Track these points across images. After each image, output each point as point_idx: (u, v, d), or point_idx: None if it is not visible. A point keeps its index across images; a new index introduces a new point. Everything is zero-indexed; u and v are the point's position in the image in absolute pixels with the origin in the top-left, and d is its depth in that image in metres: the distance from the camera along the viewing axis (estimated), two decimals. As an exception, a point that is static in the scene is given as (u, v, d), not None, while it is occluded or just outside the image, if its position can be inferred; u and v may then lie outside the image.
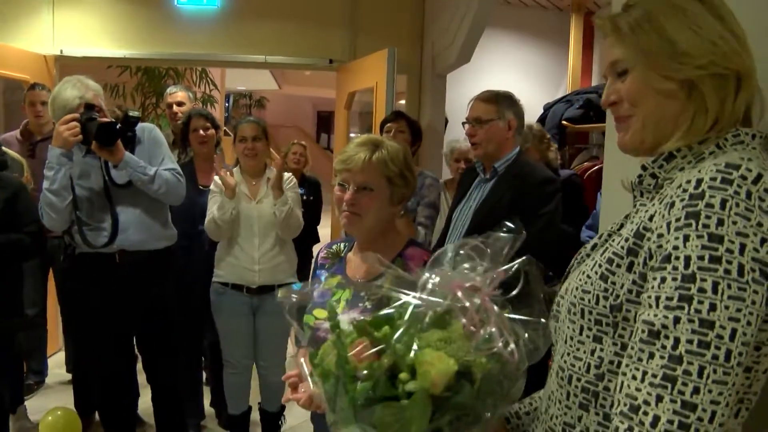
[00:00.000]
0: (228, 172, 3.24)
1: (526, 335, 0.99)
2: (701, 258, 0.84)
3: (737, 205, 0.84)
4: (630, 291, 0.94)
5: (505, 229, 1.06)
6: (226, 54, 5.35)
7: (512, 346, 0.95)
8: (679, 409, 0.83)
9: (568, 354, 1.04)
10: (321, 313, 1.72)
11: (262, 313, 3.33)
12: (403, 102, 5.25)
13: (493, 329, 0.96)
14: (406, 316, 0.97)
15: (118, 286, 2.96)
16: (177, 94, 4.31)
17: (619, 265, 0.96)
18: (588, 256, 1.12)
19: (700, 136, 0.97)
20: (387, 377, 0.95)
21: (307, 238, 4.51)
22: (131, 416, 3.33)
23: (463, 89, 4.33)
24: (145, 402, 3.40)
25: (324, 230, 5.01)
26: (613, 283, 0.97)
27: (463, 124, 2.86)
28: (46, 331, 4.43)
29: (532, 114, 4.52)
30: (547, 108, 4.53)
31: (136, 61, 6.07)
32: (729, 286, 0.83)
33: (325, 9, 5.21)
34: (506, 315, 1.00)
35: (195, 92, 7.78)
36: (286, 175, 3.46)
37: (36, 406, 3.88)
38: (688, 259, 0.85)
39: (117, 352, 3.12)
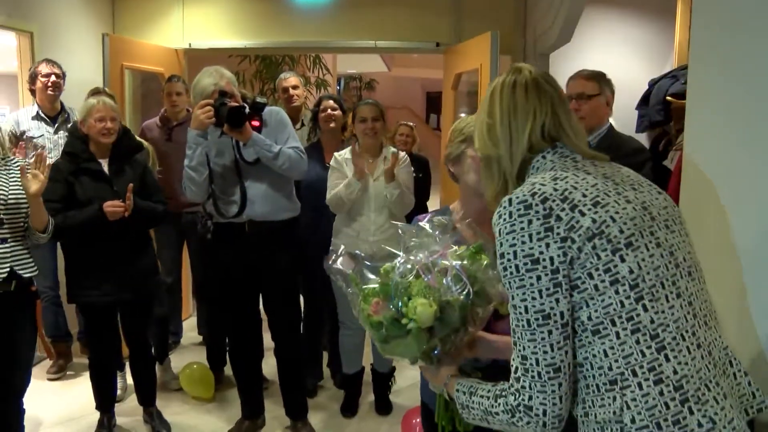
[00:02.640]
0: (361, 156, 3.47)
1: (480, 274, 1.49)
2: (501, 268, 1.28)
3: (504, 228, 1.26)
4: None
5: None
6: (338, 40, 5.60)
7: (468, 287, 1.45)
8: (519, 357, 1.27)
9: None
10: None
11: None
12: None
13: (450, 278, 1.45)
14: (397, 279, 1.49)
15: (247, 252, 3.27)
16: (290, 79, 4.56)
17: None
18: None
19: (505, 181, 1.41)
20: (393, 322, 1.46)
21: (418, 213, 4.69)
22: (258, 371, 3.65)
23: (567, 67, 4.37)
24: (269, 364, 3.73)
25: (433, 207, 5.17)
26: None
27: None
28: (181, 298, 4.91)
29: (636, 90, 4.53)
30: (652, 84, 4.47)
31: (256, 50, 6.47)
32: (514, 281, 1.26)
33: (431, -6, 5.36)
34: (462, 264, 1.48)
35: (309, 77, 8.20)
36: (401, 155, 3.65)
37: (173, 361, 4.34)
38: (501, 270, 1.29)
39: (244, 313, 3.44)
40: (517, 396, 1.26)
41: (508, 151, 1.38)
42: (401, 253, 1.54)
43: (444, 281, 1.46)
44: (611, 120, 5.11)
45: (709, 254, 2.10)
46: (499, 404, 1.30)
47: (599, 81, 2.91)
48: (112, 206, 3.12)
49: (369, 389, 3.95)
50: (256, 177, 3.24)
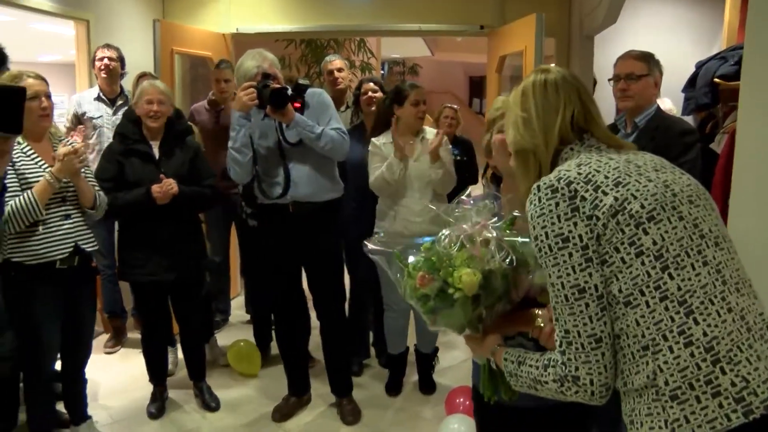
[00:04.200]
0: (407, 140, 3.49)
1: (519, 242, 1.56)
2: (536, 249, 1.37)
3: (535, 212, 1.36)
4: None
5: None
6: (383, 24, 5.62)
7: (511, 254, 1.52)
8: (562, 331, 1.35)
9: None
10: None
11: None
12: (552, 65, 5.31)
13: (493, 247, 1.53)
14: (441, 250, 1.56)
15: (292, 233, 3.34)
16: (335, 62, 4.59)
17: None
18: None
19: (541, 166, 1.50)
20: (440, 293, 1.52)
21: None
22: (303, 350, 3.75)
23: (612, 49, 4.31)
24: (315, 342, 3.81)
25: (477, 191, 5.16)
26: None
27: (610, 80, 3.02)
28: (230, 277, 5.04)
29: (682, 72, 4.45)
30: (700, 65, 4.37)
31: (301, 35, 6.52)
32: (549, 260, 1.34)
33: (476, -24, 5.32)
34: (503, 235, 1.56)
35: (354, 60, 8.26)
36: (435, 131, 3.68)
37: (222, 339, 4.49)
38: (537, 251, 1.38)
39: (289, 292, 3.52)
40: (564, 368, 1.34)
41: (544, 142, 1.48)
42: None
43: (487, 250, 1.53)
44: (669, 102, 5.06)
45: (765, 235, 2.09)
46: (549, 374, 1.37)
47: (648, 61, 2.90)
48: (161, 191, 3.22)
49: (414, 369, 4.00)
50: (299, 158, 3.28)
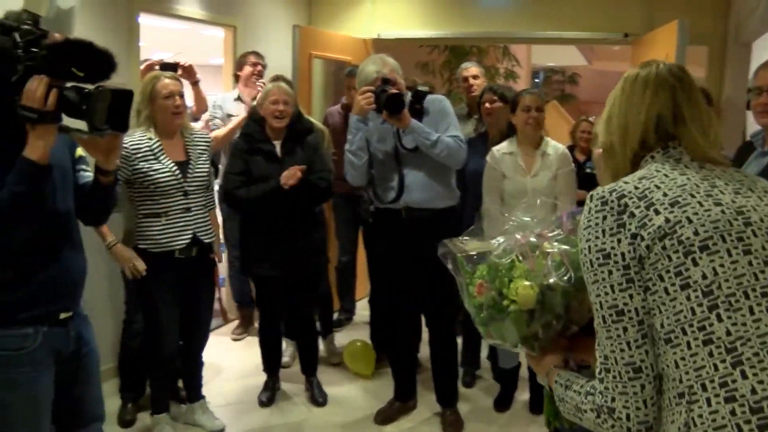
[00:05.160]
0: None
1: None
2: (581, 263, 1.27)
3: (584, 223, 1.26)
4: None
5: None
6: (523, 30, 5.53)
7: (571, 272, 1.42)
8: (602, 357, 1.23)
9: None
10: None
11: None
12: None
13: (551, 262, 1.44)
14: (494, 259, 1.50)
15: (403, 238, 3.34)
16: (470, 69, 4.59)
17: None
18: None
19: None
20: (494, 303, 1.46)
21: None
22: (412, 356, 3.74)
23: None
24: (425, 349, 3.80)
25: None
26: None
27: (749, 92, 2.74)
28: (356, 277, 5.14)
29: None
30: None
31: (442, 41, 6.54)
32: (590, 276, 1.24)
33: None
34: (564, 247, 1.47)
35: (499, 68, 8.15)
36: (560, 146, 3.53)
37: (342, 337, 4.59)
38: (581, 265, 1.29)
39: (401, 297, 3.51)
40: (601, 397, 1.23)
41: (620, 142, 1.36)
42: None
43: (545, 264, 1.45)
44: None
45: None
46: (588, 402, 1.26)
47: None
48: (287, 175, 3.33)
49: (525, 384, 3.85)
50: (414, 164, 3.29)
